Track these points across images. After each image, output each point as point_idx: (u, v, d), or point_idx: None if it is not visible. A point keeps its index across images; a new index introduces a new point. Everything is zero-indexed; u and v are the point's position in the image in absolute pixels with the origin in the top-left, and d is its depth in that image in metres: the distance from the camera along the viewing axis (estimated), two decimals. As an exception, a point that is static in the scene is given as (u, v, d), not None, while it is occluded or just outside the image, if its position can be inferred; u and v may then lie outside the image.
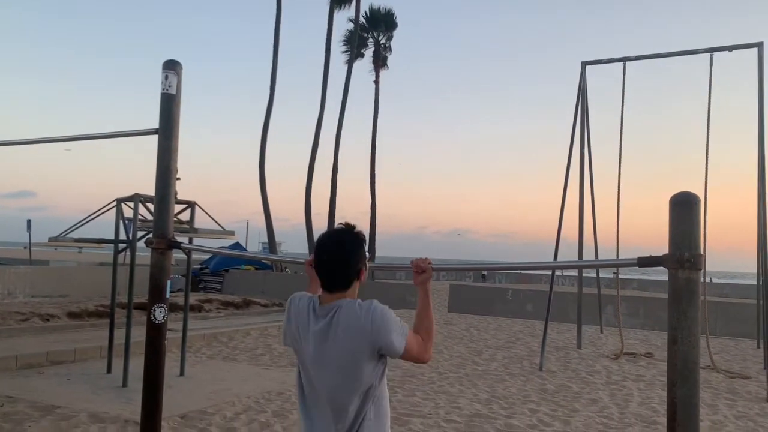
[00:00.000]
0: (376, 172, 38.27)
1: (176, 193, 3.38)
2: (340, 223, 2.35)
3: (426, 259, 2.46)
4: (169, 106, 3.19)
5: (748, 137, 10.60)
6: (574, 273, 20.78)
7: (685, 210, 1.96)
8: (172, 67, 3.18)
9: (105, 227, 8.90)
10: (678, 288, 1.96)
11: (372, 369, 2.20)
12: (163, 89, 3.17)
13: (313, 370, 2.25)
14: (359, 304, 2.21)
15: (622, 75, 12.27)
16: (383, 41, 41.34)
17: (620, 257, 8.06)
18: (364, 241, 2.30)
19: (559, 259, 10.54)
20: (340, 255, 2.24)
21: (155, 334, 3.17)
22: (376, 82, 40.21)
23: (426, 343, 2.34)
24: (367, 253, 2.31)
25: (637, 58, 12.26)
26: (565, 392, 8.41)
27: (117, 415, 6.35)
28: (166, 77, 3.17)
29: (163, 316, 3.16)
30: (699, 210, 1.96)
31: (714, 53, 11.24)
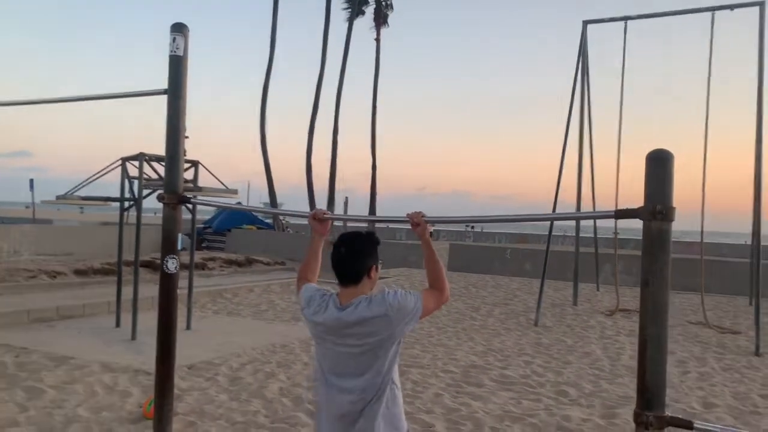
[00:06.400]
0: (377, 132, 38.25)
1: (185, 152, 3.54)
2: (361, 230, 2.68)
3: (419, 212, 2.70)
4: (178, 67, 3.33)
5: (749, 98, 10.63)
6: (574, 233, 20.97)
7: (658, 165, 2.11)
8: (179, 29, 3.31)
9: (106, 187, 9.08)
10: (651, 237, 2.12)
11: (392, 357, 2.46)
12: (171, 51, 3.30)
13: (334, 360, 2.50)
14: (374, 299, 2.44)
15: (623, 34, 12.28)
16: (384, -2, 40.76)
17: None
18: (378, 243, 2.56)
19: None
20: (352, 249, 2.50)
21: (168, 282, 3.38)
22: (377, 40, 39.84)
23: (440, 286, 2.61)
24: (380, 261, 2.56)
25: (639, 17, 12.22)
26: (559, 346, 8.69)
27: (128, 365, 6.63)
28: (174, 39, 3.30)
29: (176, 267, 3.36)
30: (671, 165, 2.11)
31: (716, 12, 11.23)
